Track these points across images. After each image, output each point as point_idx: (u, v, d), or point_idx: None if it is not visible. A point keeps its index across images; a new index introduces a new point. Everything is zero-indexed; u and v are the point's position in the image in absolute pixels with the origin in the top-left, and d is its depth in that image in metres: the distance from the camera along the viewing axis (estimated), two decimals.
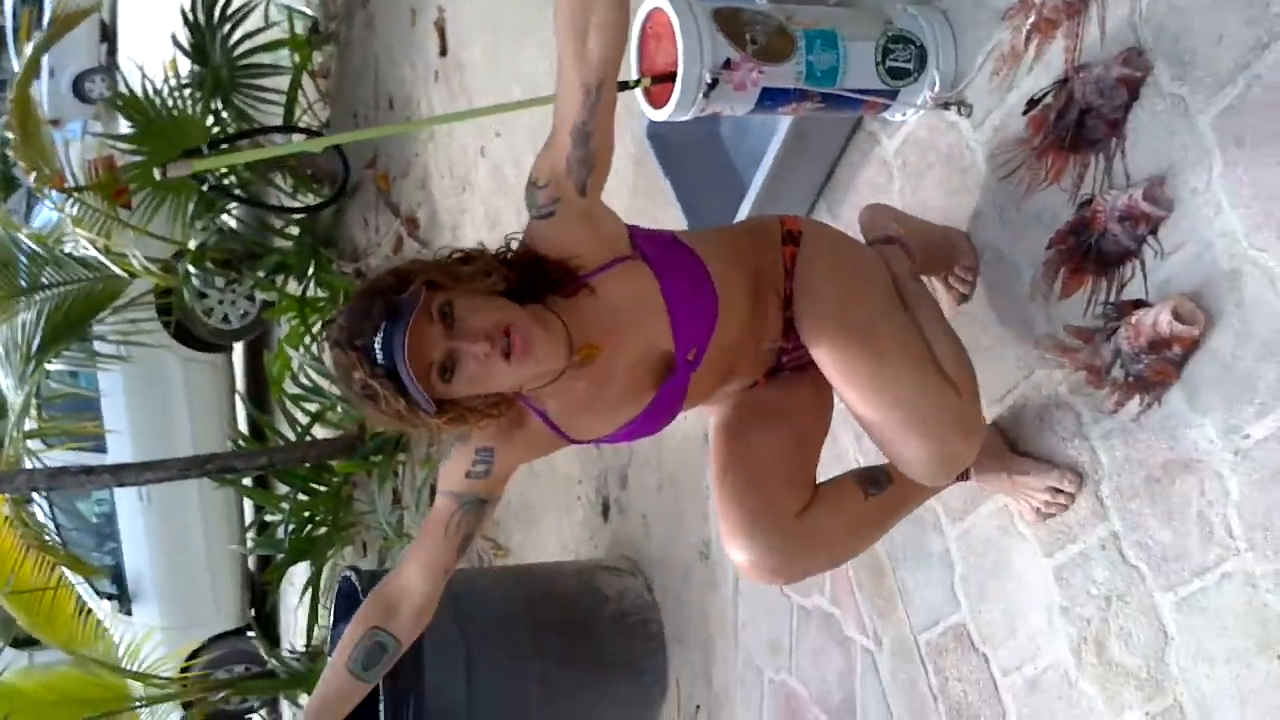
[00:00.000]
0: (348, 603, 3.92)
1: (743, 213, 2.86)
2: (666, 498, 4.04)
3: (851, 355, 2.11)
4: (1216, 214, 1.96)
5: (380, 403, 1.87)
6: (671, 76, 2.31)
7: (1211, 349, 1.98)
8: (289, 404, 7.04)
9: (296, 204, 7.71)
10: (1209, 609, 2.03)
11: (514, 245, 2.05)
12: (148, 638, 7.62)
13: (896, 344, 2.12)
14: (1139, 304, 2.07)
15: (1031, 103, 2.23)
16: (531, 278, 2.00)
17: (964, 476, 2.35)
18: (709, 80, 2.29)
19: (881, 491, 2.26)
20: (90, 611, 7.92)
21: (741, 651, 3.52)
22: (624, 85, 2.31)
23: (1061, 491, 2.29)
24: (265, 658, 7.09)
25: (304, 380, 6.95)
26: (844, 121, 2.81)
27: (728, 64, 2.30)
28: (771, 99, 2.40)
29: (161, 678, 7.20)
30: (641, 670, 4.12)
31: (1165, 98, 2.04)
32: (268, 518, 7.48)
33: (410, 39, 6.69)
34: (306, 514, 7.04)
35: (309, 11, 8.60)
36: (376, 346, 1.81)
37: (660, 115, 2.36)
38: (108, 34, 16.59)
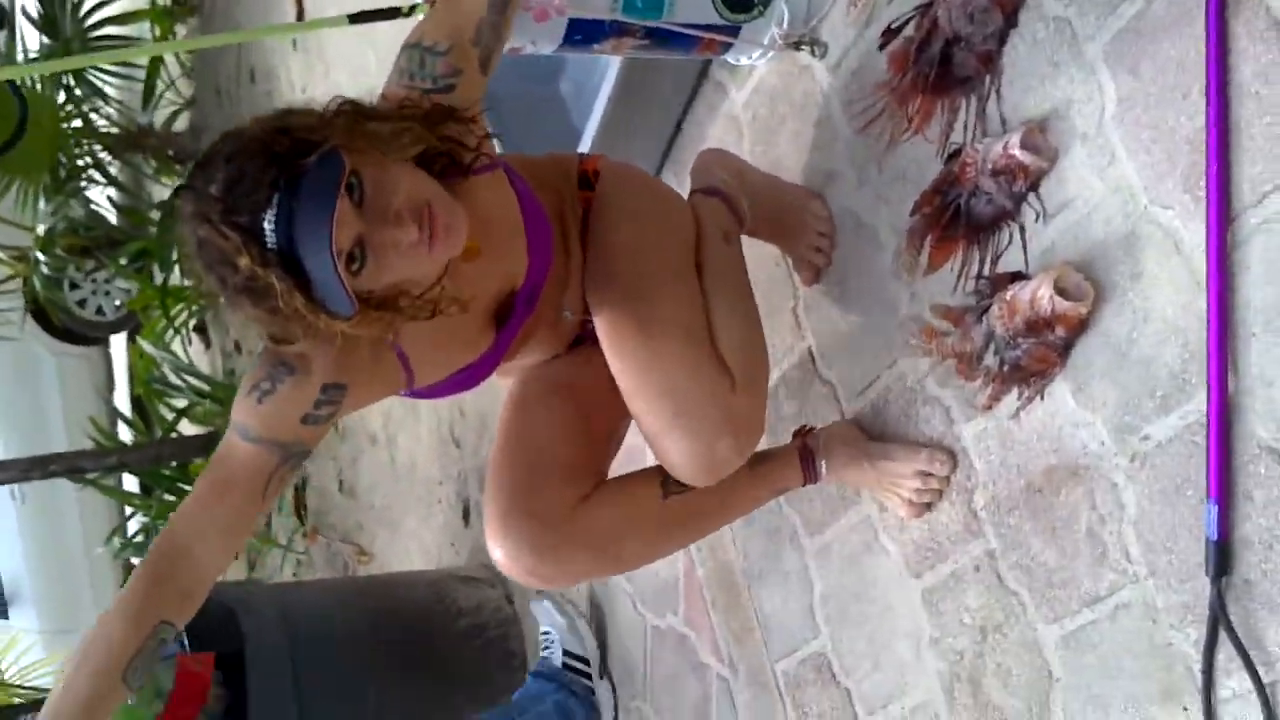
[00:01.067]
0: None
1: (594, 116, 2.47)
2: None
3: (622, 323, 1.80)
4: (1109, 164, 1.60)
5: (269, 298, 1.43)
6: None
7: (1103, 331, 1.63)
8: (153, 400, 6.57)
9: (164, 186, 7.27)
10: (1101, 646, 1.67)
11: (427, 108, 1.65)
12: (13, 643, 7.28)
13: (672, 318, 1.79)
14: (1017, 277, 1.71)
15: (888, 33, 1.85)
16: (440, 149, 1.63)
17: (812, 474, 2.01)
18: None
19: (685, 492, 1.86)
20: None
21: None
22: (394, 12, 1.92)
23: (932, 475, 1.92)
24: None
25: (167, 375, 6.47)
26: (688, 67, 2.42)
27: None
28: (582, 33, 2.01)
29: (44, 689, 6.81)
30: (498, 689, 3.74)
31: (1048, 22, 1.68)
32: (140, 519, 7.00)
33: (270, 8, 6.29)
34: (172, 515, 6.58)
35: None
36: (268, 226, 1.40)
37: None
38: None
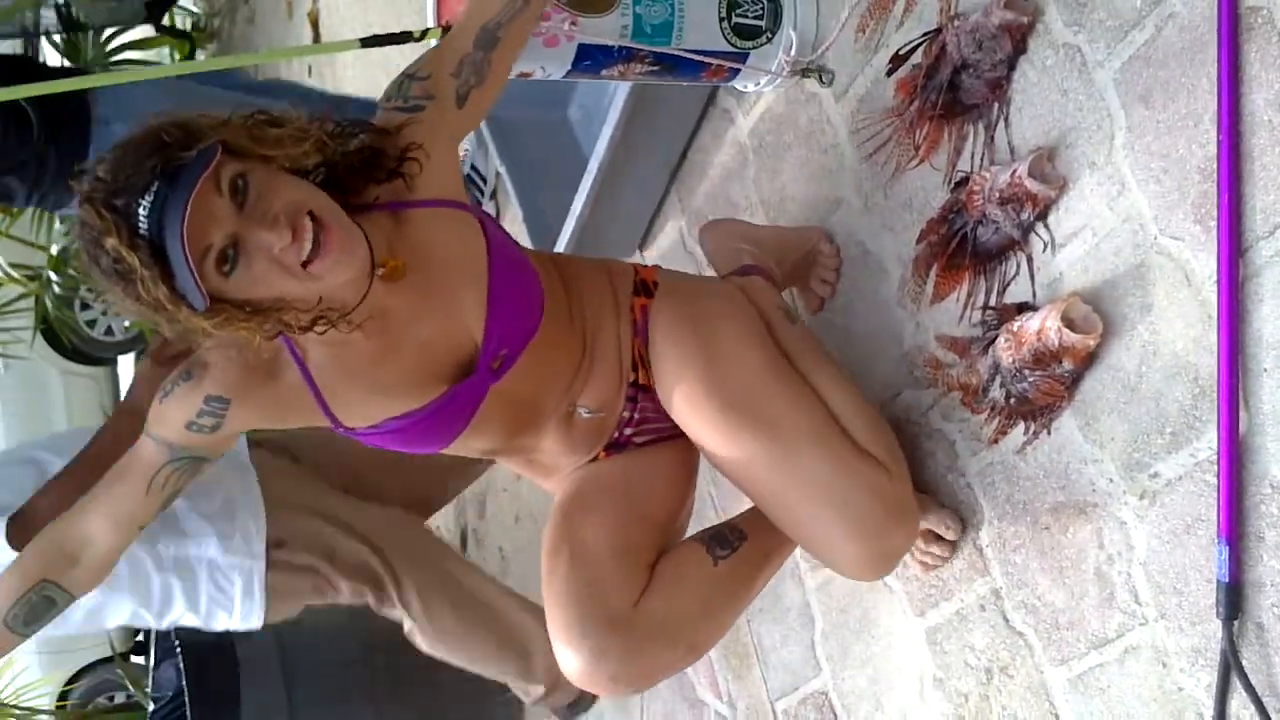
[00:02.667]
0: (165, 642, 3.49)
1: (577, 206, 2.44)
2: (525, 530, 3.61)
3: (742, 444, 1.72)
4: (1120, 193, 1.56)
5: (134, 284, 1.43)
6: None
7: (1111, 364, 1.58)
8: None
9: None
10: (1109, 690, 1.62)
11: (337, 120, 1.63)
12: (10, 663, 7.19)
13: (793, 424, 1.71)
14: (1024, 308, 1.67)
15: (896, 59, 1.82)
16: (351, 164, 1.61)
17: None
18: None
19: (733, 552, 1.79)
20: None
21: (591, 712, 3.08)
22: (406, 36, 1.89)
23: (940, 539, 1.86)
24: (129, 688, 6.68)
25: None
26: (696, 94, 2.39)
27: None
28: (592, 58, 1.97)
29: (39, 710, 6.75)
30: (493, 712, 3.69)
31: (1058, 48, 1.64)
32: None
33: (288, 32, 6.31)
34: None
35: (193, 8, 8.18)
36: (141, 211, 1.41)
37: None
38: None
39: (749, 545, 1.81)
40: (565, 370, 1.82)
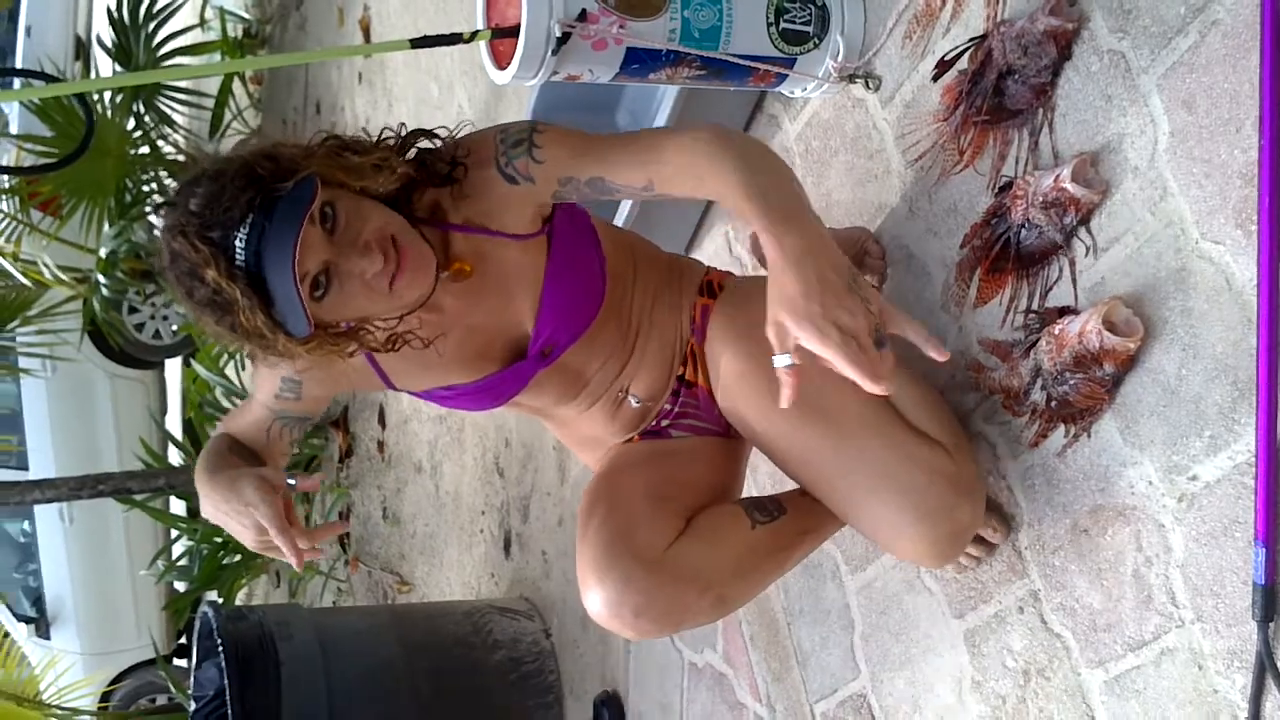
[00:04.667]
0: (207, 642, 3.52)
1: (624, 210, 2.46)
2: (569, 533, 3.64)
3: (800, 430, 1.76)
4: (1162, 198, 1.57)
5: (233, 314, 1.50)
6: (517, 30, 1.91)
7: (1151, 368, 1.59)
8: (204, 424, 6.59)
9: None
10: (1145, 692, 1.63)
11: (405, 135, 1.71)
12: (52, 664, 7.26)
13: (848, 411, 1.73)
14: (1066, 311, 1.68)
15: (942, 64, 1.84)
16: (421, 180, 1.69)
17: None
18: (558, 34, 1.89)
19: (772, 520, 1.82)
20: (6, 635, 7.54)
21: (631, 713, 3.10)
22: (456, 38, 1.93)
23: (984, 541, 1.88)
24: (172, 689, 6.70)
25: (219, 400, 6.51)
26: (743, 99, 2.41)
27: (583, 16, 1.90)
28: (640, 62, 2.00)
29: (82, 711, 6.80)
30: None
31: (1102, 55, 1.65)
32: (185, 542, 7.02)
33: (339, 40, 6.36)
34: (217, 539, 6.59)
35: (244, 14, 8.25)
36: (239, 244, 1.47)
37: (504, 77, 1.96)
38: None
39: (788, 519, 1.83)
40: (616, 356, 1.88)
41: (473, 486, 4.42)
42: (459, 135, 1.74)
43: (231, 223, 1.46)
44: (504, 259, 1.74)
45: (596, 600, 1.70)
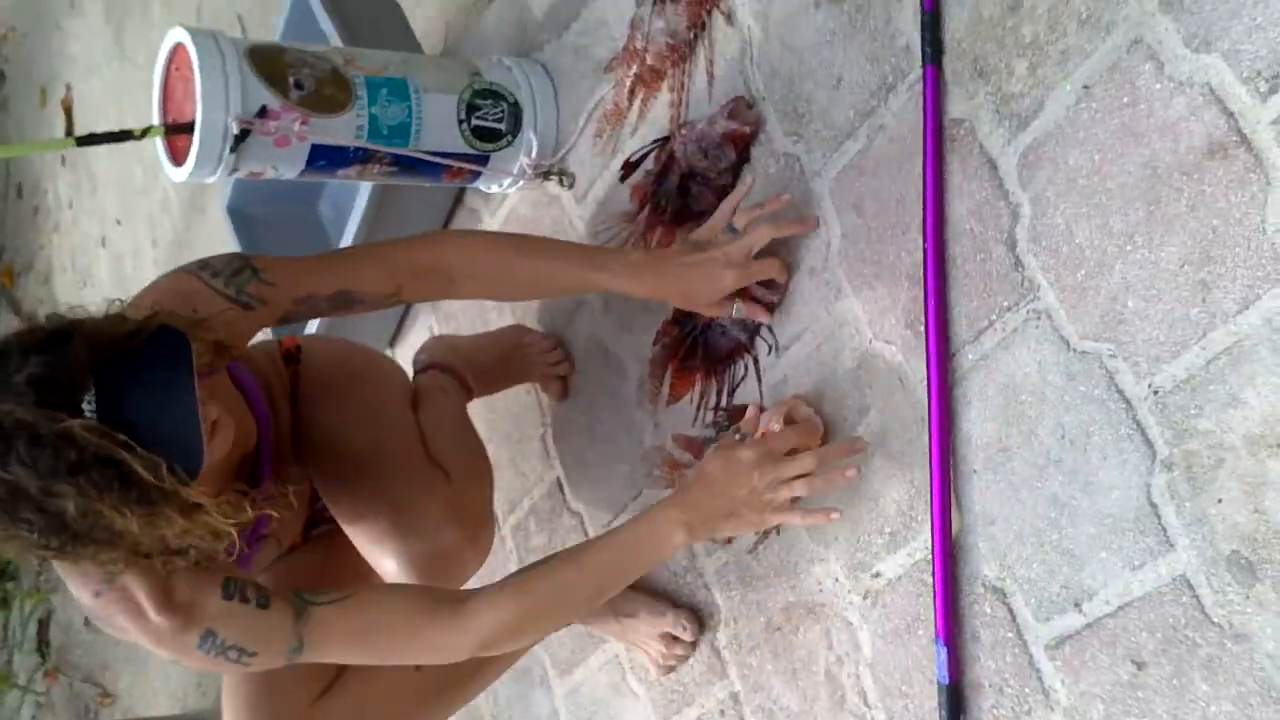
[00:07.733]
0: None
1: None
2: None
3: (337, 468, 1.72)
4: (837, 298, 1.59)
5: (105, 486, 1.22)
6: (192, 127, 1.82)
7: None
8: None
9: None
10: None
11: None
12: None
13: (379, 445, 1.73)
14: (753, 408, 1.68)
15: (628, 165, 1.83)
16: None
17: None
18: (236, 131, 1.82)
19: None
20: None
21: None
22: (126, 135, 1.84)
23: (678, 640, 1.85)
24: None
25: None
26: (442, 194, 2.37)
27: (264, 112, 1.84)
28: (327, 159, 1.94)
29: None
30: None
31: (778, 157, 1.67)
32: None
33: (40, 120, 6.08)
34: None
35: None
36: (86, 406, 1.22)
37: (180, 174, 1.87)
38: None
39: None
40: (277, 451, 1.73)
41: None
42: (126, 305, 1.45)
43: (86, 385, 1.24)
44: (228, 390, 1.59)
45: None
